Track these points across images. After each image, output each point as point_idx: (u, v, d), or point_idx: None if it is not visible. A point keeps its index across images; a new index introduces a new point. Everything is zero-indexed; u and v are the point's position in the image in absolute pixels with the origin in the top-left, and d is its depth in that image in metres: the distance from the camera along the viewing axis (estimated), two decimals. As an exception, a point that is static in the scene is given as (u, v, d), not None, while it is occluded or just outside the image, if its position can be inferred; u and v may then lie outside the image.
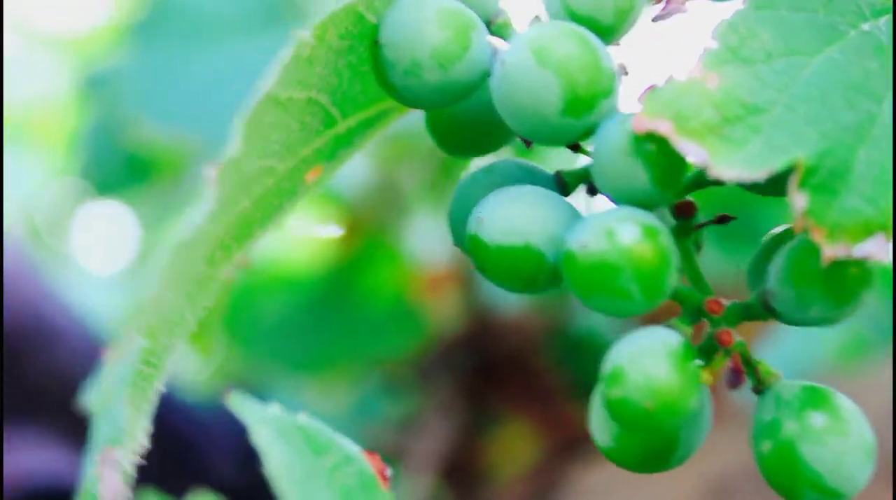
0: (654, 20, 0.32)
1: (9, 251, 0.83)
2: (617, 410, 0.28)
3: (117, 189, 0.78)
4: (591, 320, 0.87)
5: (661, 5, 0.31)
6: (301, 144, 0.32)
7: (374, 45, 0.31)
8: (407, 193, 0.86)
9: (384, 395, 0.90)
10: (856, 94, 0.29)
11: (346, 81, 0.32)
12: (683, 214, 0.31)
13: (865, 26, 0.31)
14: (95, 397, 0.32)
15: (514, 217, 0.30)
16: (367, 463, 0.32)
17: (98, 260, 1.08)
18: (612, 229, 0.28)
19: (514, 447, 0.89)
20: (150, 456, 0.32)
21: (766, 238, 0.33)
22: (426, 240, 0.86)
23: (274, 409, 0.32)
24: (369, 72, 0.32)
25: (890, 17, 0.31)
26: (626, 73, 0.34)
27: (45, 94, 1.24)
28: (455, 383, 0.88)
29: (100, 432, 0.33)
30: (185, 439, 0.84)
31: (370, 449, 0.33)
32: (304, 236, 0.95)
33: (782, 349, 0.78)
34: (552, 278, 0.30)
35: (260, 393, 0.87)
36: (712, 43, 0.29)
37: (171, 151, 0.72)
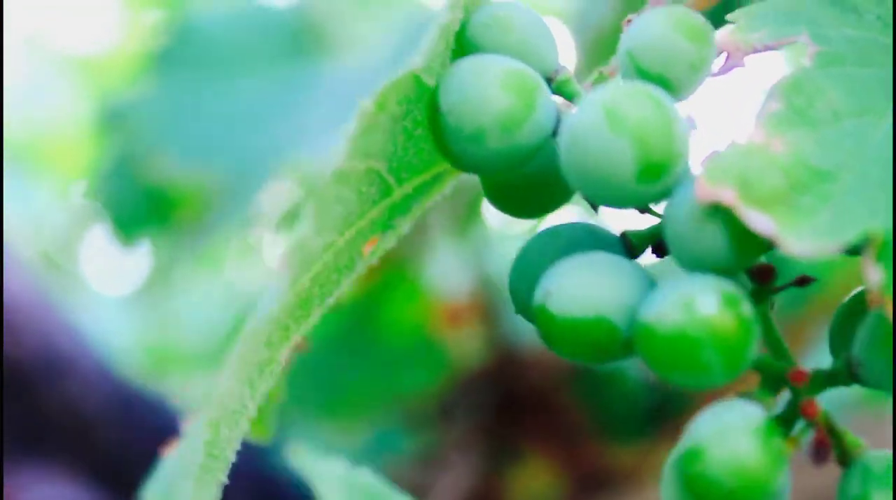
0: (714, 75, 0.31)
1: (19, 277, 0.81)
2: (695, 489, 0.27)
3: (136, 226, 0.77)
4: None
5: (722, 61, 0.31)
6: (359, 215, 0.31)
7: (434, 111, 0.30)
8: (428, 225, 0.85)
9: (405, 430, 0.89)
10: (932, 156, 0.28)
11: (401, 147, 0.31)
12: (762, 279, 0.30)
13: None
14: (156, 493, 0.30)
15: (584, 288, 0.29)
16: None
17: (110, 284, 1.07)
18: (691, 299, 0.27)
19: (536, 484, 0.88)
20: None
21: (844, 302, 0.32)
22: (448, 273, 0.85)
23: (338, 466, 0.31)
24: (424, 136, 0.31)
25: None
26: (695, 128, 0.34)
27: (61, 114, 1.23)
28: (477, 418, 0.87)
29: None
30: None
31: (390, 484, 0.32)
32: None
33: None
34: (625, 350, 0.29)
35: (281, 427, 0.86)
36: (775, 104, 0.28)
37: (191, 187, 0.71)
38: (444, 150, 0.30)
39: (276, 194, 0.79)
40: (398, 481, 0.87)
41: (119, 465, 0.84)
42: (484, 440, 0.86)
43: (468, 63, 0.30)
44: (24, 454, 0.80)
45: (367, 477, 0.31)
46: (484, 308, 0.86)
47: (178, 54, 0.74)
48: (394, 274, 0.84)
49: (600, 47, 0.68)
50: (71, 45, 1.37)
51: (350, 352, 0.84)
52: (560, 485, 0.87)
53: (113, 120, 0.75)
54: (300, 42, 0.76)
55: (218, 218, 0.70)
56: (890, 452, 0.29)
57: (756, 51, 0.30)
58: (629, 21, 0.35)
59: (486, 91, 0.29)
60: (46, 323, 0.82)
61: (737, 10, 0.31)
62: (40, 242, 1.16)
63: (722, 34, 0.31)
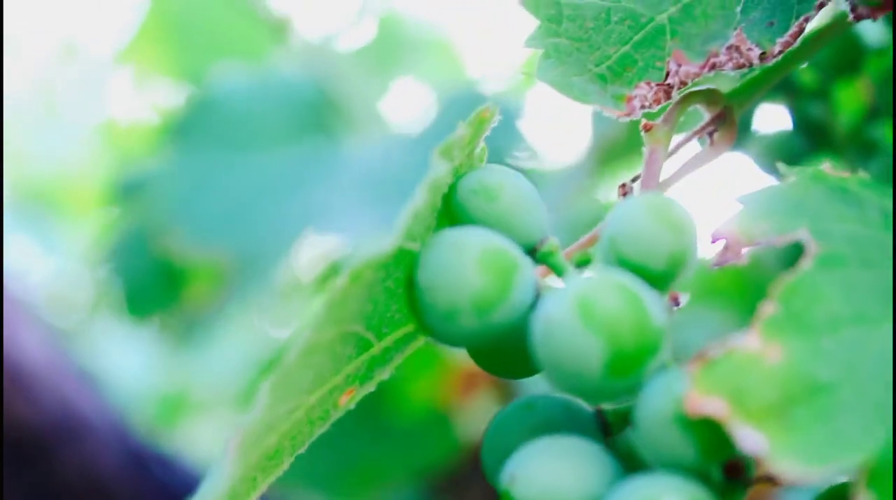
0: (711, 267, 0.29)
1: (31, 335, 0.81)
2: None
3: (148, 301, 0.76)
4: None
5: (720, 252, 0.29)
6: (333, 373, 0.30)
7: (411, 284, 0.29)
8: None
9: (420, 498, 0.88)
10: (929, 372, 0.27)
11: (382, 305, 0.30)
12: (733, 475, 0.29)
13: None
14: None
15: (549, 476, 0.28)
16: None
17: (128, 339, 1.07)
18: (657, 503, 0.26)
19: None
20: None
21: (822, 492, 0.31)
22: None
23: None
24: (404, 294, 0.31)
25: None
26: (678, 304, 0.32)
27: (76, 171, 1.24)
28: (490, 490, 0.85)
29: None
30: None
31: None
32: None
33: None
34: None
35: (301, 494, 0.85)
36: (773, 307, 0.27)
37: (205, 262, 0.71)
38: (419, 322, 0.29)
39: (292, 268, 0.79)
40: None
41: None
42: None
43: (448, 238, 0.29)
44: None
45: None
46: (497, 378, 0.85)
47: (197, 127, 0.73)
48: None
49: (614, 150, 0.67)
50: (92, 108, 1.39)
51: (362, 425, 0.83)
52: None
53: (129, 192, 0.75)
54: (319, 118, 0.75)
55: (231, 294, 0.69)
56: None
57: (757, 244, 0.29)
58: (623, 187, 0.34)
59: (463, 271, 0.28)
60: (63, 385, 0.82)
61: (744, 195, 0.30)
62: (57, 302, 1.16)
63: (725, 222, 0.30)
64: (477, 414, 0.88)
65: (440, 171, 0.29)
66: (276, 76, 0.79)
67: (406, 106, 1.01)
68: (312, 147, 0.74)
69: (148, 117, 1.18)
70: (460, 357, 0.88)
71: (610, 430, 0.31)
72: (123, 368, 1.06)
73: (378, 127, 0.86)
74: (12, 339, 0.77)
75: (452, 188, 0.31)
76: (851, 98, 0.51)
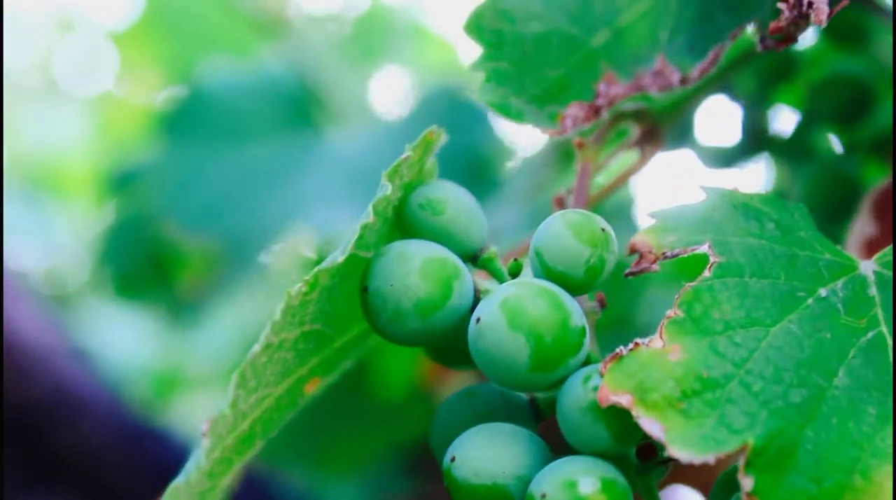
0: (626, 275, 0.34)
1: (27, 312, 0.84)
2: None
3: (139, 286, 0.80)
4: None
5: (635, 262, 0.33)
6: (298, 367, 0.34)
7: (363, 290, 0.33)
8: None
9: (398, 473, 0.92)
10: (808, 370, 0.30)
11: (341, 305, 0.34)
12: (645, 457, 0.33)
13: (823, 292, 0.32)
14: None
15: (484, 458, 0.32)
16: None
17: (122, 318, 1.11)
18: (573, 482, 0.30)
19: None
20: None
21: (725, 472, 0.34)
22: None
23: None
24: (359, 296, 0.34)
25: (846, 279, 0.33)
26: (604, 306, 0.36)
27: (72, 149, 1.27)
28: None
29: None
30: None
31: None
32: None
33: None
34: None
35: (278, 473, 0.89)
36: (677, 311, 0.31)
37: (195, 250, 0.74)
38: (369, 323, 0.33)
39: (279, 253, 0.82)
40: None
41: (127, 496, 0.87)
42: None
43: (394, 249, 0.33)
44: (35, 491, 0.83)
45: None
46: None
47: (187, 120, 0.77)
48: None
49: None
50: (88, 87, 1.42)
51: (348, 403, 0.87)
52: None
53: (122, 182, 0.79)
54: (303, 110, 0.79)
55: (221, 279, 0.73)
56: None
57: (666, 256, 0.33)
58: (559, 199, 0.38)
59: (407, 279, 0.32)
60: (57, 358, 0.85)
61: (657, 210, 0.34)
62: (52, 281, 1.19)
63: (638, 234, 0.34)
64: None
65: (386, 191, 0.33)
66: (262, 71, 0.83)
67: (391, 93, 1.05)
68: (297, 138, 0.78)
69: (141, 100, 1.21)
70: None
71: (542, 416, 0.35)
72: (118, 345, 1.10)
73: (362, 116, 0.89)
74: (7, 316, 0.80)
75: (403, 202, 0.35)
76: (790, 103, 0.55)
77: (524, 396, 0.36)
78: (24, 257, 1.14)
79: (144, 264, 0.79)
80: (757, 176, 0.59)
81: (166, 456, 0.88)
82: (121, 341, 1.12)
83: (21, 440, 0.80)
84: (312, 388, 0.37)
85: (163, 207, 0.73)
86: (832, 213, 0.51)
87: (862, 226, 0.44)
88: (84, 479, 0.84)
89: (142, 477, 0.85)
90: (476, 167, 0.80)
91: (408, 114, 0.82)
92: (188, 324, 0.83)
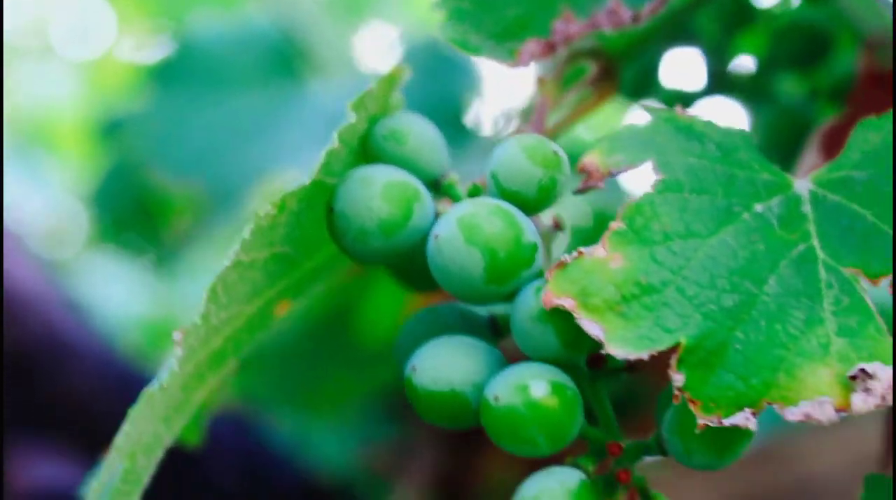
0: (574, 193, 0.36)
1: (22, 262, 0.86)
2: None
3: (128, 230, 0.83)
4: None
5: (583, 180, 0.36)
6: (267, 287, 0.37)
7: (329, 211, 0.35)
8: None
9: (381, 418, 0.94)
10: (741, 277, 0.33)
11: (308, 231, 0.37)
12: (594, 365, 0.36)
13: (759, 207, 0.35)
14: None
15: (442, 367, 0.34)
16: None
17: (115, 270, 1.13)
18: (524, 385, 0.33)
19: (502, 467, 0.93)
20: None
21: (666, 388, 0.37)
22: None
23: None
24: (326, 220, 0.37)
25: (781, 196, 0.36)
26: (562, 229, 0.39)
27: (66, 107, 1.29)
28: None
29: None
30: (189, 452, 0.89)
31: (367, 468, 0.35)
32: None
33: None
34: (477, 420, 0.34)
35: (264, 414, 0.92)
36: (619, 224, 0.34)
37: (182, 196, 0.77)
38: (336, 243, 0.36)
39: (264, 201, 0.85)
40: (374, 464, 0.93)
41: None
42: (452, 431, 0.92)
43: (358, 174, 0.35)
44: (26, 436, 0.85)
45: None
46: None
47: (175, 71, 0.79)
48: (372, 271, 0.90)
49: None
50: (82, 46, 1.43)
51: (330, 346, 0.90)
52: (525, 469, 0.92)
53: (112, 130, 0.81)
54: (287, 62, 0.82)
55: (207, 225, 0.76)
56: None
57: (612, 174, 0.35)
58: (517, 131, 0.41)
59: (370, 201, 0.34)
60: (50, 308, 0.86)
61: (602, 136, 0.36)
62: (47, 235, 1.21)
63: (586, 155, 0.36)
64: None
65: (351, 120, 0.35)
66: (248, 24, 0.85)
67: (375, 47, 1.06)
68: (281, 90, 0.80)
69: (133, 58, 1.23)
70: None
71: (500, 332, 0.38)
72: (112, 297, 1.12)
73: (346, 69, 0.91)
74: (4, 268, 0.82)
75: (369, 133, 0.37)
76: (752, 51, 0.57)
77: (484, 313, 0.38)
78: (19, 212, 1.16)
79: (132, 211, 0.82)
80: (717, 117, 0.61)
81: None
82: (114, 294, 1.14)
83: (12, 388, 0.82)
84: (282, 310, 0.39)
85: (150, 154, 0.75)
86: (788, 153, 0.54)
87: (809, 159, 0.46)
88: (75, 426, 0.86)
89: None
90: (458, 118, 0.82)
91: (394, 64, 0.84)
92: (174, 269, 0.85)
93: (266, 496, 0.92)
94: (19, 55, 1.43)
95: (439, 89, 0.81)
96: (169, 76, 0.79)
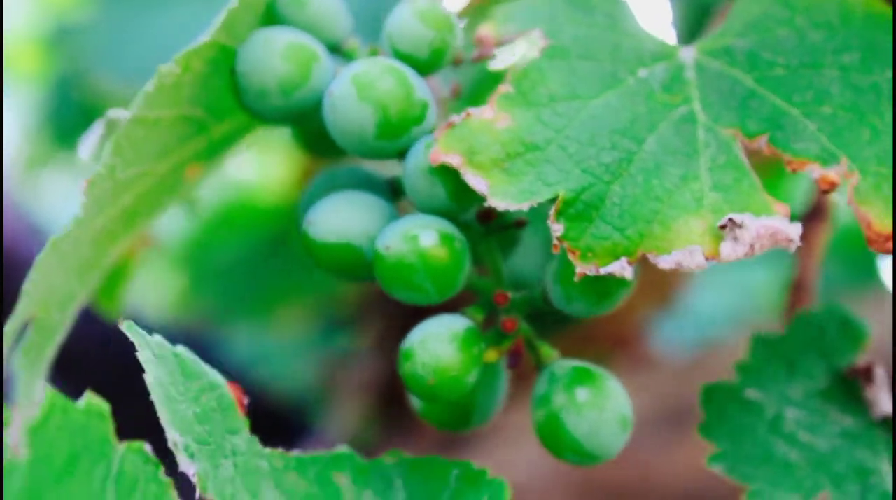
0: (472, 61, 0.38)
1: None
2: (408, 383, 0.35)
3: (75, 137, 0.83)
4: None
5: (476, 49, 0.37)
6: (177, 148, 0.38)
7: (232, 71, 0.37)
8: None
9: (327, 330, 0.96)
10: (620, 136, 0.35)
11: (216, 95, 0.38)
12: (484, 220, 0.37)
13: (643, 73, 0.37)
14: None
15: (336, 220, 0.36)
16: (230, 392, 0.35)
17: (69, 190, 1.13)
18: (414, 235, 0.34)
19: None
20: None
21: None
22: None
23: (157, 338, 0.34)
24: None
25: (666, 63, 0.37)
26: (458, 95, 0.40)
27: (18, 31, 1.28)
28: (389, 321, 0.94)
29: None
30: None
31: (232, 381, 0.36)
32: (258, 179, 1.01)
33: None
34: (371, 273, 0.36)
35: (216, 324, 0.93)
36: (507, 87, 0.35)
37: (125, 105, 0.77)
38: (240, 102, 0.37)
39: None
40: (317, 375, 0.95)
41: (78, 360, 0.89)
42: (395, 341, 0.94)
43: (260, 35, 0.36)
44: None
45: (179, 349, 0.34)
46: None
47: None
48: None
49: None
50: None
51: (281, 258, 0.91)
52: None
53: (58, 40, 0.82)
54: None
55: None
56: (573, 362, 0.36)
57: (502, 42, 0.37)
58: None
59: (270, 60, 0.36)
60: (16, 241, 0.86)
61: (497, 7, 0.38)
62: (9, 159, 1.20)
63: (481, 27, 0.37)
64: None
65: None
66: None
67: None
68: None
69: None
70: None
71: (399, 193, 0.39)
72: (64, 215, 1.13)
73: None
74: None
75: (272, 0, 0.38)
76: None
77: (385, 175, 0.40)
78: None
79: (80, 118, 0.82)
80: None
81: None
82: (68, 213, 1.14)
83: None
84: (193, 174, 0.40)
85: (96, 61, 0.76)
86: (697, 26, 0.55)
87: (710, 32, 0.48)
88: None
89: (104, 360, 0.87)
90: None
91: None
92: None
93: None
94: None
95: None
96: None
